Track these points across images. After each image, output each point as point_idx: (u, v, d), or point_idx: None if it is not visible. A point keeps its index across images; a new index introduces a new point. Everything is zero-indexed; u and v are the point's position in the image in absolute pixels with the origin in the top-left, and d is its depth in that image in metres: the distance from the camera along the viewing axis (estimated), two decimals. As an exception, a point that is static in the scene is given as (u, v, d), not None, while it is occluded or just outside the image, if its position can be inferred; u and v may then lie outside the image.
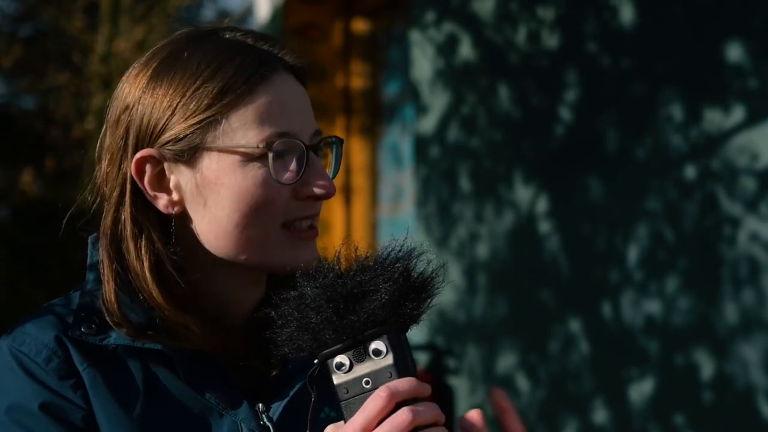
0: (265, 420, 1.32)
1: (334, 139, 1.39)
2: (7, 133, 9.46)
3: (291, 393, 1.33)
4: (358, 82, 6.42)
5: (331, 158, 1.40)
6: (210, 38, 1.35)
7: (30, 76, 9.38)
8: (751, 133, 4.00)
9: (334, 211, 6.23)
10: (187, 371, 1.31)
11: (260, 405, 1.33)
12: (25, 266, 9.04)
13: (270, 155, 1.30)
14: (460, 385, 4.87)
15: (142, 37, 8.01)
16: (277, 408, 1.33)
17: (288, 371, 1.35)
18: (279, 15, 6.48)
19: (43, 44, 9.39)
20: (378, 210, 6.31)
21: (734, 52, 4.05)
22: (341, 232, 6.18)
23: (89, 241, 1.39)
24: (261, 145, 1.30)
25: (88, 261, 1.37)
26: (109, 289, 1.32)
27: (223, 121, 1.30)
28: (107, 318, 1.32)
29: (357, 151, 6.29)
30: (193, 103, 1.30)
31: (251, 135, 1.30)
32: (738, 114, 4.04)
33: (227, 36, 1.35)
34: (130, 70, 1.36)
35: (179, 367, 1.31)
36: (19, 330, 1.32)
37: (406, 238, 1.20)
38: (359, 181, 6.31)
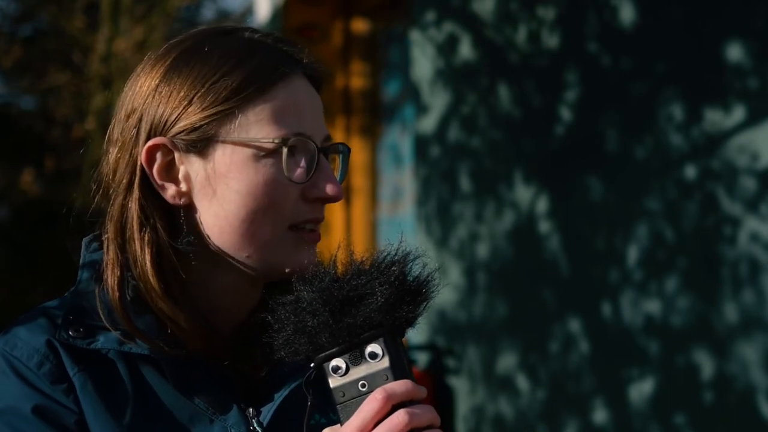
0: (255, 425, 1.31)
1: (342, 148, 1.39)
2: (7, 133, 9.45)
3: (281, 397, 1.33)
4: (358, 82, 6.42)
5: (338, 165, 1.40)
6: (230, 36, 1.35)
7: (30, 76, 9.38)
8: (751, 133, 4.01)
9: (334, 211, 6.23)
10: (176, 375, 1.30)
11: (251, 410, 1.32)
12: (25, 266, 9.04)
13: (284, 151, 1.30)
14: (460, 385, 4.87)
15: (142, 37, 8.00)
16: (267, 412, 1.32)
17: (278, 375, 1.34)
18: (279, 15, 6.49)
19: (43, 44, 9.38)
20: (378, 210, 6.31)
21: (734, 52, 4.05)
22: (341, 231, 6.18)
23: (83, 242, 1.38)
24: (276, 140, 1.30)
25: (81, 262, 1.37)
26: (112, 278, 1.31)
27: (240, 115, 1.30)
28: (101, 315, 1.31)
29: (357, 151, 6.29)
30: (211, 94, 1.30)
31: (267, 131, 1.31)
32: (738, 114, 4.04)
33: (247, 35, 1.36)
34: (145, 61, 1.36)
35: (167, 371, 1.30)
36: (10, 333, 1.32)
37: (401, 242, 1.21)
38: (359, 181, 6.31)
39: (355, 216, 6.32)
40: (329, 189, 1.33)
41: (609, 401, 4.43)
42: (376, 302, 1.16)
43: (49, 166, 8.97)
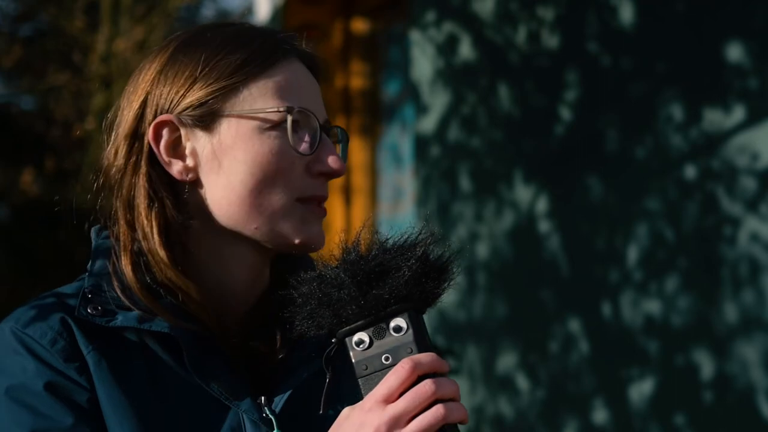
0: (268, 412, 1.32)
1: (342, 136, 1.43)
2: (7, 133, 9.44)
3: (293, 386, 1.34)
4: (357, 82, 6.42)
5: (339, 149, 1.43)
6: (230, 25, 1.40)
7: (30, 76, 9.37)
8: (751, 133, 4.00)
9: (334, 210, 6.23)
10: (193, 358, 1.31)
11: (263, 398, 1.33)
12: (25, 266, 9.03)
13: (289, 120, 1.33)
14: (459, 385, 4.87)
15: (142, 37, 8.00)
16: (279, 400, 1.33)
17: (291, 361, 1.36)
18: (279, 15, 6.48)
19: (43, 44, 9.37)
20: (378, 210, 6.31)
21: (734, 52, 4.05)
22: (341, 231, 6.18)
23: (93, 231, 1.41)
24: (282, 110, 1.33)
25: (93, 248, 1.39)
26: (126, 259, 1.33)
27: (244, 89, 1.34)
28: (118, 293, 1.32)
29: (357, 150, 6.28)
30: (216, 71, 1.34)
31: (271, 103, 1.34)
32: (738, 114, 4.04)
33: (246, 25, 1.41)
34: (147, 57, 1.40)
35: (185, 353, 1.31)
36: (21, 313, 1.33)
37: (425, 224, 1.24)
38: (359, 180, 6.31)
39: (355, 216, 6.32)
40: (333, 163, 1.36)
41: (609, 401, 4.43)
42: (403, 276, 1.19)
43: (49, 166, 8.96)
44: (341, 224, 6.26)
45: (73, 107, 8.92)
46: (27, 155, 9.32)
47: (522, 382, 4.74)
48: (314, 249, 1.34)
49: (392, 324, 1.19)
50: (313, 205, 1.37)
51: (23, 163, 9.24)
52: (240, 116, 1.33)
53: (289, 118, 1.33)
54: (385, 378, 1.17)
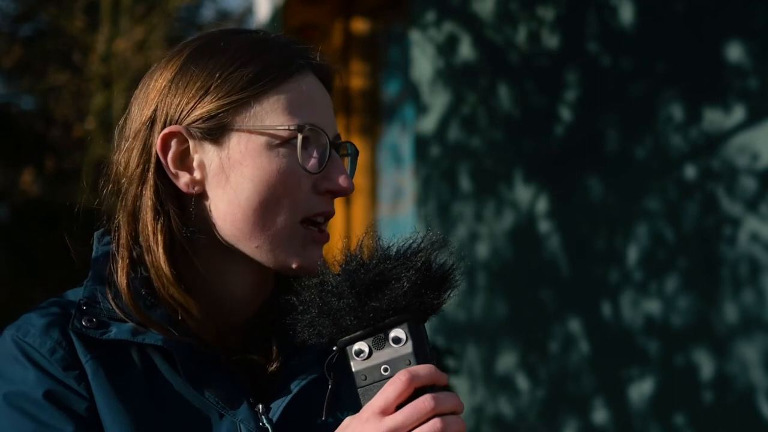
0: (265, 421, 1.31)
1: (351, 150, 1.41)
2: (7, 133, 9.45)
3: (292, 393, 1.33)
4: (357, 81, 6.42)
5: (347, 166, 1.41)
6: (245, 34, 1.38)
7: (30, 76, 9.38)
8: (751, 133, 4.00)
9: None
10: (188, 368, 1.31)
11: (260, 406, 1.33)
12: (25, 266, 9.04)
13: (299, 138, 1.31)
14: (460, 385, 4.87)
15: (142, 37, 8.01)
16: (276, 409, 1.33)
17: (289, 370, 1.35)
18: (279, 15, 6.48)
19: (43, 44, 9.38)
20: (378, 210, 6.31)
21: (734, 52, 4.05)
22: (341, 231, 6.18)
23: (95, 236, 1.40)
24: (292, 127, 1.31)
25: (93, 254, 1.38)
26: (122, 271, 1.33)
27: (255, 104, 1.32)
28: (112, 304, 1.32)
29: (357, 151, 6.28)
30: (227, 84, 1.32)
31: (281, 120, 1.32)
32: (738, 114, 4.04)
33: (261, 34, 1.38)
34: (158, 60, 1.38)
35: (179, 363, 1.31)
36: (23, 321, 1.33)
37: (429, 230, 1.23)
38: (359, 181, 6.31)
39: (355, 216, 6.32)
40: (342, 181, 1.35)
41: (609, 401, 4.43)
42: (401, 287, 1.18)
43: (49, 166, 8.97)
44: (341, 225, 6.26)
45: (73, 107, 8.92)
46: (27, 155, 9.33)
47: (522, 382, 4.74)
48: (312, 275, 1.32)
49: (391, 335, 1.18)
50: (316, 231, 1.35)
51: (23, 163, 9.24)
52: (250, 131, 1.31)
53: (299, 136, 1.31)
54: (383, 389, 1.17)
